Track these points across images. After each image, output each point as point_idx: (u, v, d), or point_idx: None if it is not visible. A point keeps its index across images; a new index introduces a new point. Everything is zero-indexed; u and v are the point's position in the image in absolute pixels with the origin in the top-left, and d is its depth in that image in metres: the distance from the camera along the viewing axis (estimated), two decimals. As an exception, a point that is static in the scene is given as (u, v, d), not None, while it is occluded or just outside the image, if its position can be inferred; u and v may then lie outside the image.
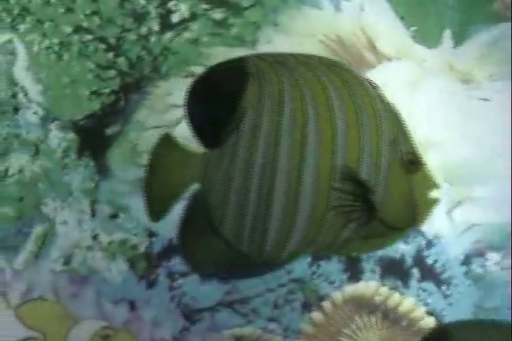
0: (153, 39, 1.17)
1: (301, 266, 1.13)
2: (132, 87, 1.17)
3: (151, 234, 1.15)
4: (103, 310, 1.11)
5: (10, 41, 1.18)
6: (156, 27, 1.17)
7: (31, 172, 1.17)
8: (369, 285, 1.13)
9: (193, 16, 1.17)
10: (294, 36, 1.17)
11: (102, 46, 1.17)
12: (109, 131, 1.17)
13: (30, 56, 1.17)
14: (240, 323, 1.12)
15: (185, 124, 1.12)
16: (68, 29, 1.17)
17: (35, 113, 1.18)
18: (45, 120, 1.18)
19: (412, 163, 0.81)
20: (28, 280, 1.14)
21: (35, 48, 1.18)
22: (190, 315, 1.13)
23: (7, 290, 1.13)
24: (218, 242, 0.81)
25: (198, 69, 1.14)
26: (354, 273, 1.14)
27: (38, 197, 1.17)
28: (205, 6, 1.17)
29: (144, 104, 1.16)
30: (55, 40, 1.17)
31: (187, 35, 1.16)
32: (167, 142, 0.83)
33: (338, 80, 0.80)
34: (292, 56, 0.82)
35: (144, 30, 1.17)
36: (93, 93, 1.17)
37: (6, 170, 1.17)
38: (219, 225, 0.80)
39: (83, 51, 1.16)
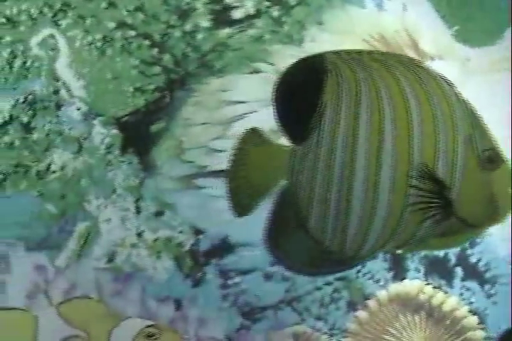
0: (201, 36, 1.15)
1: (346, 264, 1.11)
2: (177, 84, 1.14)
3: (198, 232, 1.12)
4: (148, 308, 1.08)
5: (51, 36, 1.15)
6: (205, 23, 1.14)
7: (74, 169, 1.14)
8: (413, 284, 1.11)
9: (258, 13, 1.14)
10: (338, 35, 1.15)
11: (146, 42, 1.14)
12: (154, 128, 1.14)
13: (72, 52, 1.14)
14: (297, 321, 1.10)
15: (244, 121, 1.10)
16: (111, 25, 1.13)
17: (78, 109, 1.14)
18: (88, 116, 1.14)
19: (491, 160, 0.79)
20: (70, 278, 1.10)
21: (77, 44, 1.14)
22: (251, 313, 1.11)
23: (49, 288, 1.09)
24: (305, 238, 0.80)
25: (262, 66, 1.13)
26: (399, 271, 1.12)
27: (81, 194, 1.14)
28: (266, 3, 1.15)
29: (191, 101, 1.12)
30: (98, 36, 1.14)
31: (251, 31, 1.14)
32: (254, 137, 0.81)
33: (413, 77, 0.78)
34: (367, 53, 0.81)
35: (188, 26, 1.14)
36: (137, 89, 1.14)
37: (48, 167, 1.14)
38: (305, 221, 0.79)
39: (126, 47, 1.14)
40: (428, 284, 1.11)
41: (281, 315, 1.11)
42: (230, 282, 1.11)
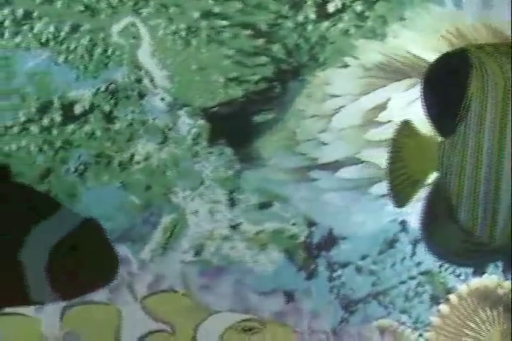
0: (310, 27, 1.10)
1: (429, 259, 1.08)
2: (290, 75, 1.09)
3: (311, 224, 1.08)
4: (245, 302, 1.02)
5: (133, 25, 1.09)
6: (312, 15, 1.10)
7: (159, 159, 1.08)
8: (492, 279, 1.09)
9: (344, 7, 1.11)
10: (419, 32, 1.12)
11: (246, 32, 1.09)
12: (259, 118, 1.09)
13: (155, 41, 1.09)
14: (382, 315, 1.07)
15: (343, 114, 1.06)
16: (196, 14, 1.08)
17: (162, 99, 1.08)
18: (173, 106, 1.09)
19: None
20: (155, 271, 1.05)
21: (160, 33, 1.08)
22: (349, 306, 1.07)
23: (133, 282, 1.03)
24: (456, 229, 0.78)
25: (349, 61, 1.09)
26: (478, 266, 1.10)
27: (167, 185, 1.08)
28: (351, -3, 1.12)
29: (302, 92, 1.08)
30: (182, 26, 1.08)
31: (341, 25, 1.10)
32: (407, 129, 0.79)
33: None
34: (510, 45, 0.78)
35: (300, 17, 1.09)
36: (232, 79, 1.09)
37: (132, 158, 1.08)
38: (456, 213, 0.77)
39: (215, 37, 1.08)
40: (506, 279, 1.10)
41: (368, 308, 1.08)
42: (334, 275, 1.08)
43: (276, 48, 1.09)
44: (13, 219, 0.79)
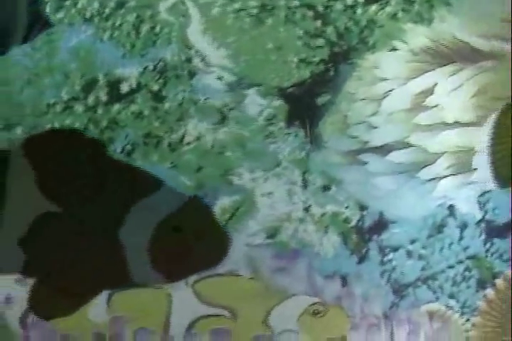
0: (359, 10, 1.08)
1: (476, 243, 1.08)
2: (340, 58, 1.07)
3: (362, 208, 1.06)
4: (315, 285, 0.99)
5: (182, 2, 1.04)
6: None
7: (214, 140, 1.03)
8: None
9: (392, -10, 1.09)
10: (465, 17, 1.11)
11: (310, 13, 1.06)
12: (319, 101, 1.06)
13: (207, 19, 1.04)
14: (431, 299, 1.06)
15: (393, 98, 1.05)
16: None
17: (219, 78, 1.04)
18: (236, 86, 1.04)
19: None
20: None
21: (216, 11, 1.04)
22: (399, 291, 1.05)
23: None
24: None
25: (399, 45, 1.08)
26: (525, 251, 1.10)
27: (225, 166, 1.03)
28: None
29: (353, 75, 1.06)
30: (253, 3, 1.04)
31: (388, 9, 1.08)
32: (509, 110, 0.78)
33: None
34: None
35: (349, 0, 1.07)
36: (302, 61, 1.06)
37: (182, 138, 1.03)
38: None
39: (290, 17, 1.05)
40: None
41: (418, 292, 1.07)
42: (385, 259, 1.06)
43: (330, 31, 1.07)
44: (113, 196, 0.75)
